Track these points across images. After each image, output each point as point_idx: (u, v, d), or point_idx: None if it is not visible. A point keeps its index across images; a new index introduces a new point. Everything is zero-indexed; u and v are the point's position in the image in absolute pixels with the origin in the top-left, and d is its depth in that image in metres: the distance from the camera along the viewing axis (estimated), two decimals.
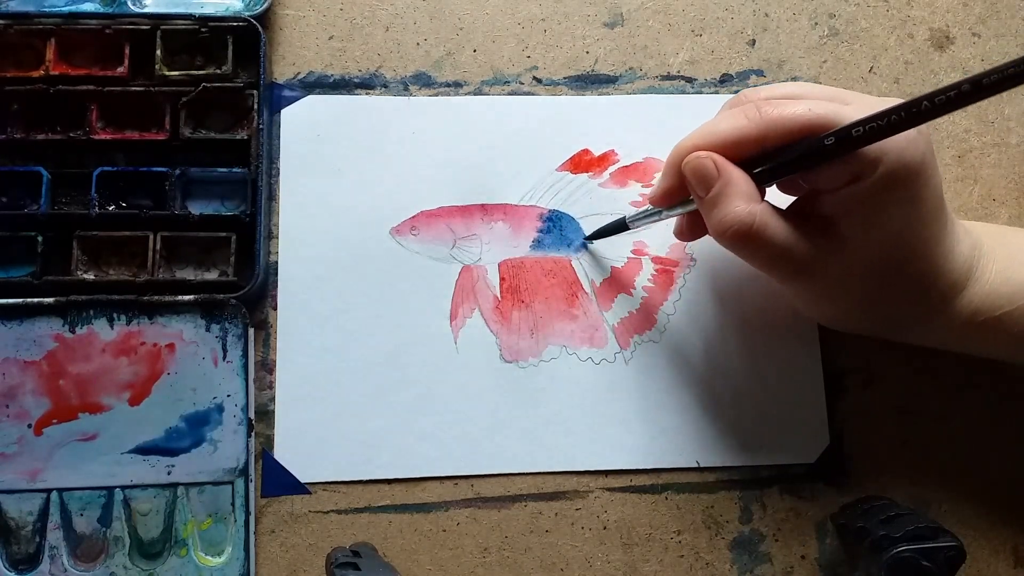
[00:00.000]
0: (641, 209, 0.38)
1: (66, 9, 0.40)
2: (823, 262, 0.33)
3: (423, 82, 0.42)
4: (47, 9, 0.39)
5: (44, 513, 0.37)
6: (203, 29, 0.39)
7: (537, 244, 0.40)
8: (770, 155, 0.33)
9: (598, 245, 0.41)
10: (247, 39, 0.40)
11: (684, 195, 0.35)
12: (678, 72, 0.43)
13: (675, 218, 0.37)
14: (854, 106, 0.32)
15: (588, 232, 0.41)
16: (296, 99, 0.41)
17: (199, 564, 0.37)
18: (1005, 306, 0.34)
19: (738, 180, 0.32)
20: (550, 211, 0.41)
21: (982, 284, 0.34)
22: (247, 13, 0.40)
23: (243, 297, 0.38)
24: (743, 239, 0.32)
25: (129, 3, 0.40)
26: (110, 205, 0.39)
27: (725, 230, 0.32)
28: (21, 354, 0.37)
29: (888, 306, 0.35)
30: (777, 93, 0.33)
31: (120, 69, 0.39)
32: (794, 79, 0.43)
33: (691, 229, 0.36)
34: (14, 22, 0.39)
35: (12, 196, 0.39)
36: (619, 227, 0.39)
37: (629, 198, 0.41)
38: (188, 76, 0.39)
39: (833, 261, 0.33)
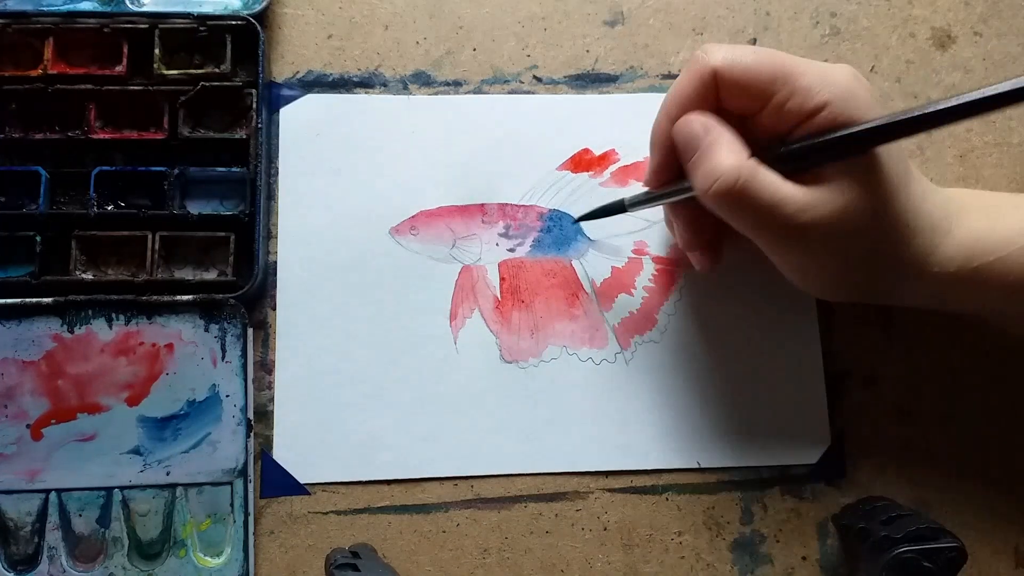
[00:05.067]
0: (639, 192, 0.37)
1: (64, 8, 0.39)
2: (812, 219, 0.32)
3: (423, 81, 0.42)
4: (45, 8, 0.39)
5: (43, 513, 0.37)
6: (201, 28, 0.39)
7: (537, 244, 0.40)
8: (785, 143, 0.32)
9: (598, 245, 0.40)
10: (246, 38, 0.39)
11: (673, 174, 0.35)
12: (679, 71, 0.42)
13: (680, 228, 0.37)
14: (801, 68, 0.32)
15: (588, 233, 0.41)
16: (295, 98, 0.41)
17: (198, 565, 0.37)
18: (997, 251, 0.34)
19: (725, 136, 0.32)
20: (550, 211, 0.41)
21: (967, 230, 0.34)
22: (246, 12, 0.40)
23: (242, 297, 0.38)
24: (730, 195, 0.31)
25: (127, 2, 0.40)
26: (109, 205, 0.39)
27: (710, 185, 0.32)
28: (20, 354, 0.37)
29: (871, 266, 0.34)
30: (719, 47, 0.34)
31: (118, 68, 0.39)
32: None
33: (692, 227, 0.36)
34: (12, 21, 0.39)
35: (10, 196, 0.39)
36: (616, 209, 0.38)
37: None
38: (187, 75, 0.39)
39: (821, 218, 0.32)
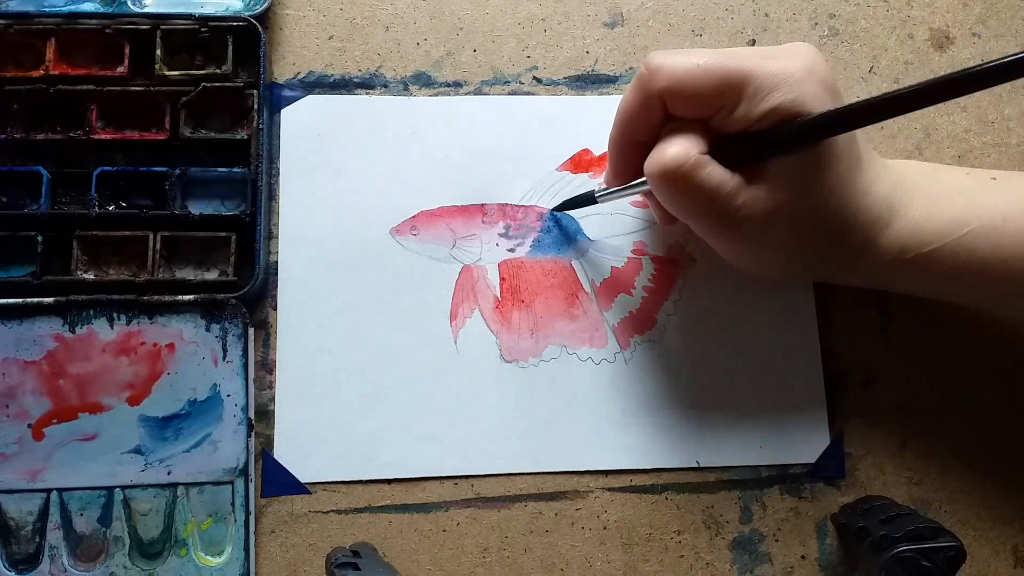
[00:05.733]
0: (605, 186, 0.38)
1: (66, 9, 0.40)
2: (748, 215, 0.32)
3: (423, 82, 0.42)
4: (47, 9, 0.39)
5: (44, 513, 0.37)
6: (203, 29, 0.39)
7: (537, 244, 0.40)
8: (740, 137, 0.33)
9: (598, 245, 0.41)
10: (247, 39, 0.40)
11: (630, 175, 0.36)
12: None
13: (657, 208, 0.37)
14: (748, 70, 0.31)
15: (588, 233, 0.41)
16: (296, 99, 0.41)
17: (199, 564, 0.37)
18: (933, 243, 0.34)
19: (683, 131, 0.33)
20: (550, 211, 0.41)
21: (906, 221, 0.34)
22: (247, 13, 0.40)
23: (243, 297, 0.38)
24: (670, 182, 0.32)
25: (129, 3, 0.40)
26: (110, 205, 0.39)
27: (657, 170, 0.32)
28: (21, 354, 0.37)
29: (806, 256, 0.35)
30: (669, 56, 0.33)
31: (120, 69, 0.39)
32: None
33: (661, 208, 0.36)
34: (14, 22, 0.39)
35: (12, 196, 0.39)
36: (587, 200, 0.38)
37: (629, 197, 0.41)
38: (188, 76, 0.39)
39: (757, 214, 0.32)
